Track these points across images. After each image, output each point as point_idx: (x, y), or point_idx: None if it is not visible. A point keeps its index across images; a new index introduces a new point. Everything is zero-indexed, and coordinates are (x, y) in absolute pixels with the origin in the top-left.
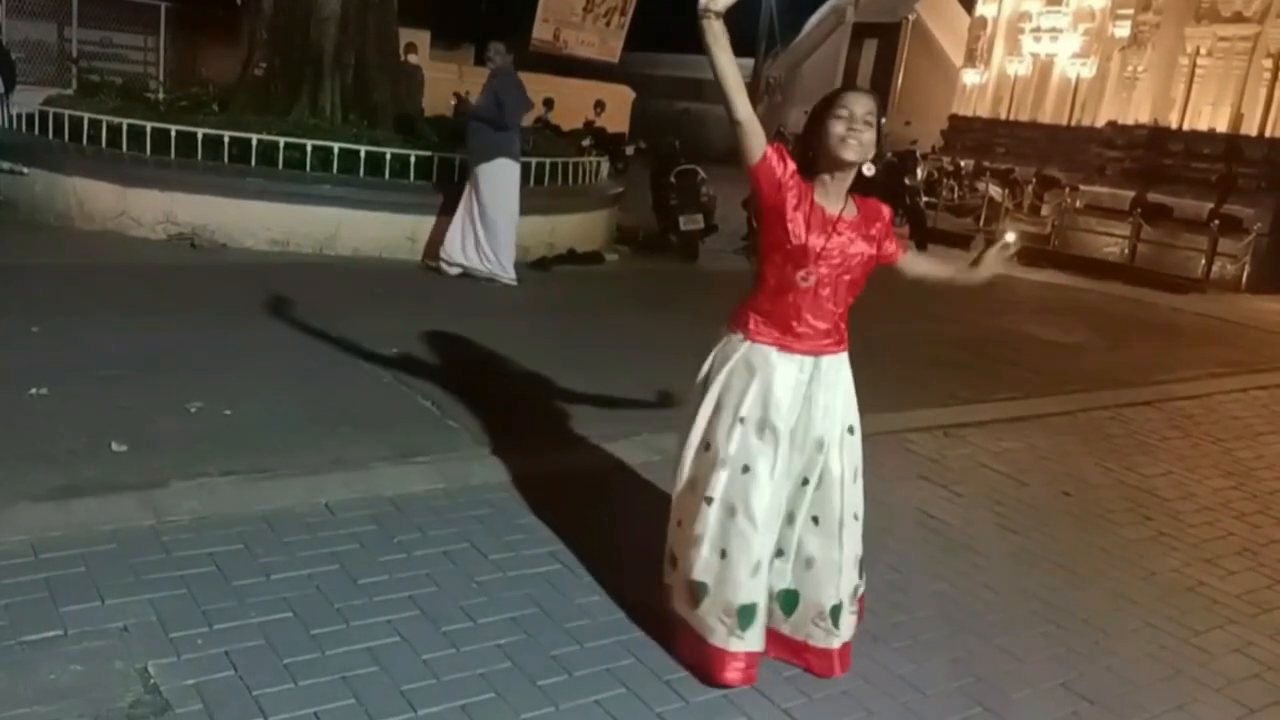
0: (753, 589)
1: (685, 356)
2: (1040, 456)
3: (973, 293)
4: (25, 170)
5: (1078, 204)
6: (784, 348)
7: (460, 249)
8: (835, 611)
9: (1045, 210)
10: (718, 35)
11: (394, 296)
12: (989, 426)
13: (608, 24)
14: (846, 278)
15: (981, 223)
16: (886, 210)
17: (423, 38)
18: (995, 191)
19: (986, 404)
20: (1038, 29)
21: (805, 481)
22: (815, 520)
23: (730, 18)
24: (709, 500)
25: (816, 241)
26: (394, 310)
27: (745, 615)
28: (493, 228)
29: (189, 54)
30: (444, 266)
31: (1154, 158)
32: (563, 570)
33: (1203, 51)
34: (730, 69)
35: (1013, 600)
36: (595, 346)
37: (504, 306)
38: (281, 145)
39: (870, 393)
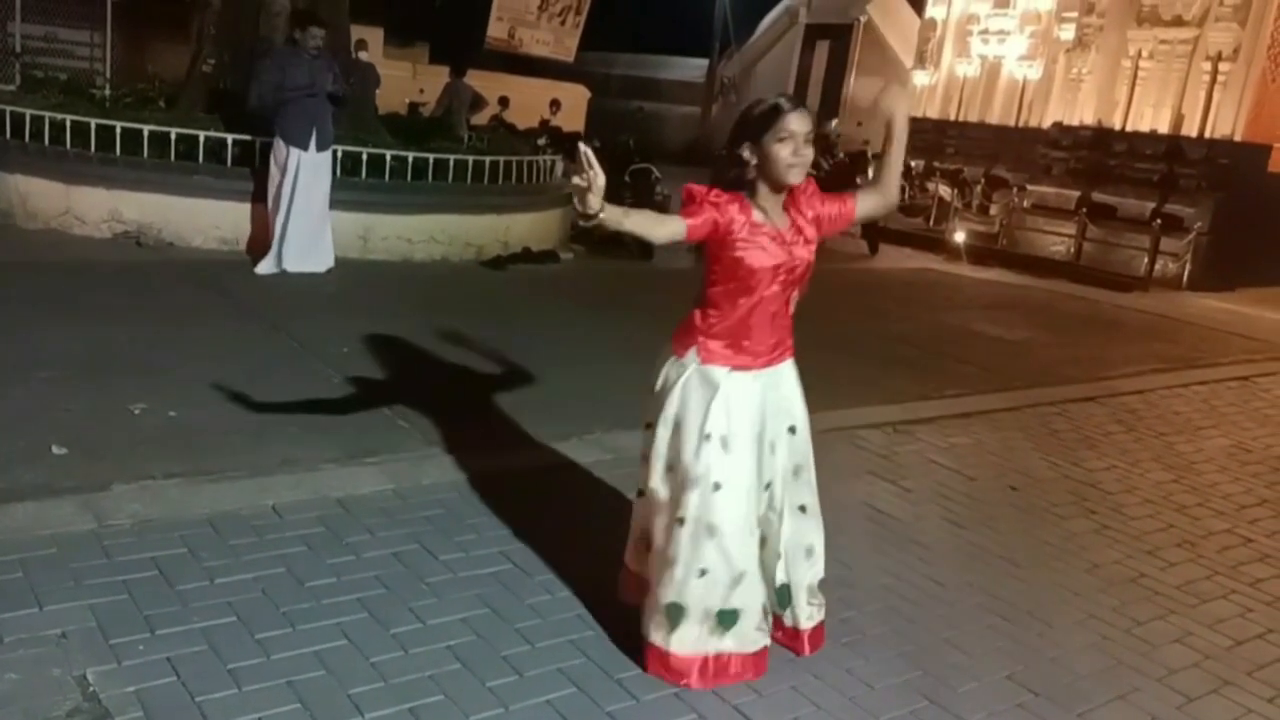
0: (737, 596)
1: (639, 354)
2: (987, 452)
3: (921, 291)
4: None
5: (1025, 203)
6: (737, 367)
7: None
8: (781, 592)
9: (993, 210)
10: (615, 219)
11: (344, 296)
12: (937, 423)
13: (563, 23)
14: (794, 290)
15: (931, 222)
16: (809, 184)
17: (376, 35)
18: (945, 191)
19: (935, 400)
20: (986, 31)
21: (768, 486)
22: (779, 513)
23: (684, 17)
24: (680, 521)
25: (769, 265)
26: (343, 310)
27: (725, 619)
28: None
29: (137, 50)
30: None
31: (1098, 158)
32: (514, 570)
33: (1144, 54)
34: (642, 225)
35: (959, 594)
36: (549, 345)
37: (456, 306)
38: (230, 142)
39: (820, 390)
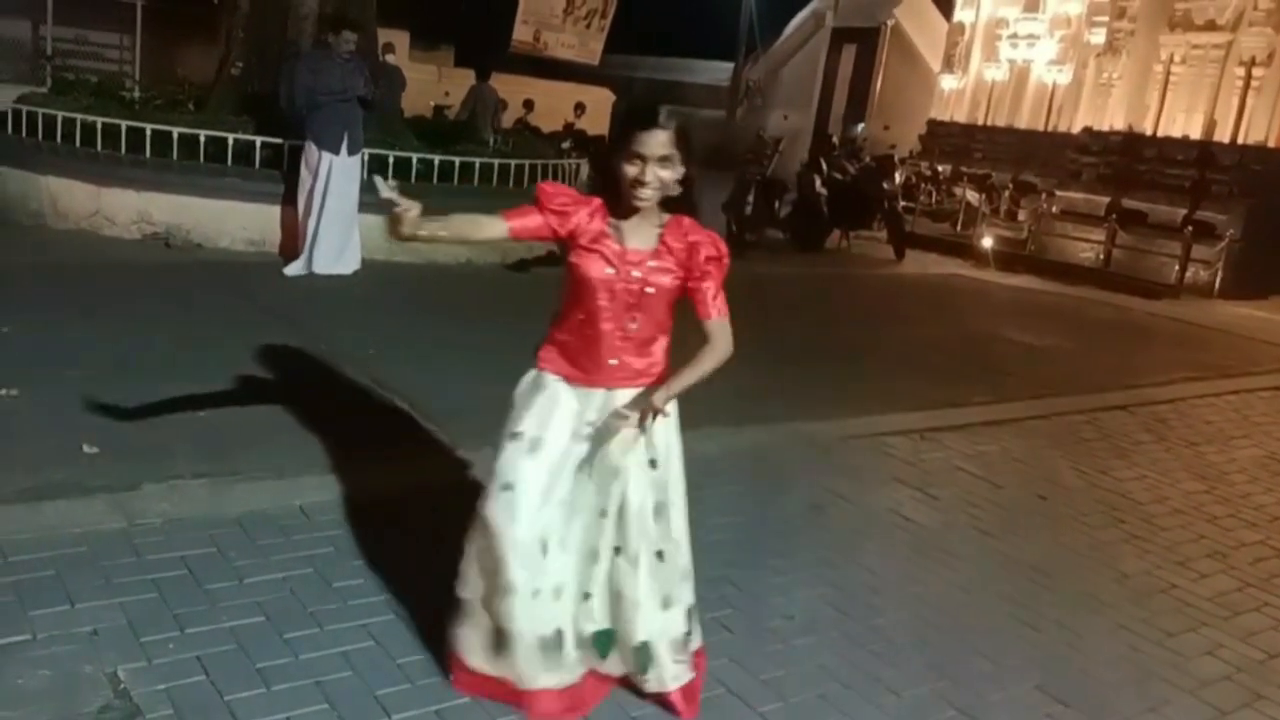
0: (514, 617)
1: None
2: (1015, 460)
3: (948, 297)
4: None
5: (1053, 209)
6: (571, 379)
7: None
8: (641, 651)
9: (1022, 215)
10: (431, 232)
11: (371, 298)
12: (964, 430)
13: (588, 26)
14: (640, 314)
15: (958, 228)
16: (705, 238)
17: (401, 38)
18: (972, 196)
19: (962, 408)
20: (1015, 35)
21: (604, 514)
22: (617, 550)
23: (709, 20)
24: (476, 516)
25: (601, 278)
26: (370, 312)
27: (500, 640)
28: None
29: (165, 52)
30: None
31: (1128, 164)
32: None
33: (1176, 59)
34: (460, 231)
35: (987, 603)
36: None
37: (480, 308)
38: (258, 145)
39: (847, 396)
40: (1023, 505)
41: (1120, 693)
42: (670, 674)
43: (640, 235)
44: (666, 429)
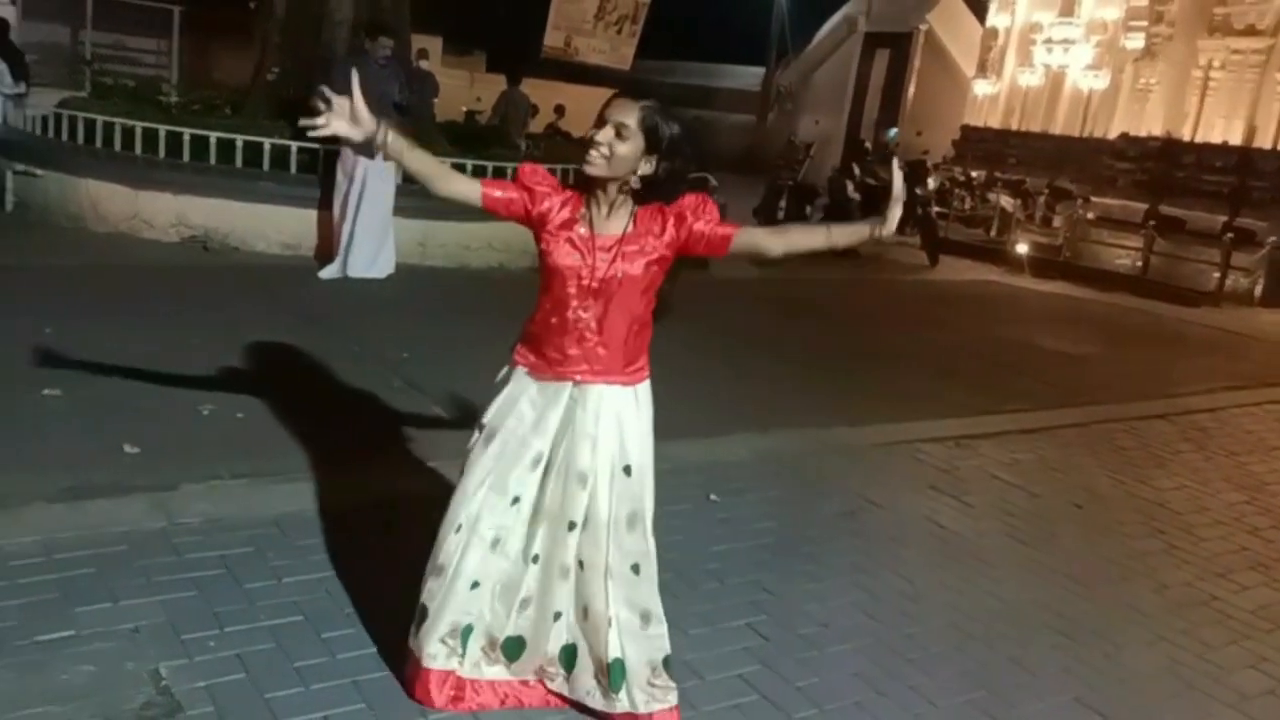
0: (433, 596)
1: (681, 362)
2: (1051, 468)
3: (983, 303)
4: (39, 172)
5: (1089, 215)
6: (535, 370)
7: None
8: (614, 669)
9: (1057, 222)
10: (397, 149)
11: (404, 301)
12: (1000, 437)
13: (619, 31)
14: (608, 304)
15: (993, 234)
16: (677, 204)
17: (435, 44)
18: (1007, 202)
19: (998, 415)
20: (1050, 40)
21: (572, 526)
22: (581, 565)
23: (741, 25)
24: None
25: (566, 266)
26: (403, 315)
27: (420, 615)
28: None
29: (202, 57)
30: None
31: (1166, 170)
32: None
33: (1215, 64)
34: (425, 168)
35: (1024, 612)
36: None
37: (511, 313)
38: (294, 149)
39: (879, 402)
40: (1059, 514)
41: (1160, 705)
42: (642, 698)
43: (612, 224)
44: (641, 435)
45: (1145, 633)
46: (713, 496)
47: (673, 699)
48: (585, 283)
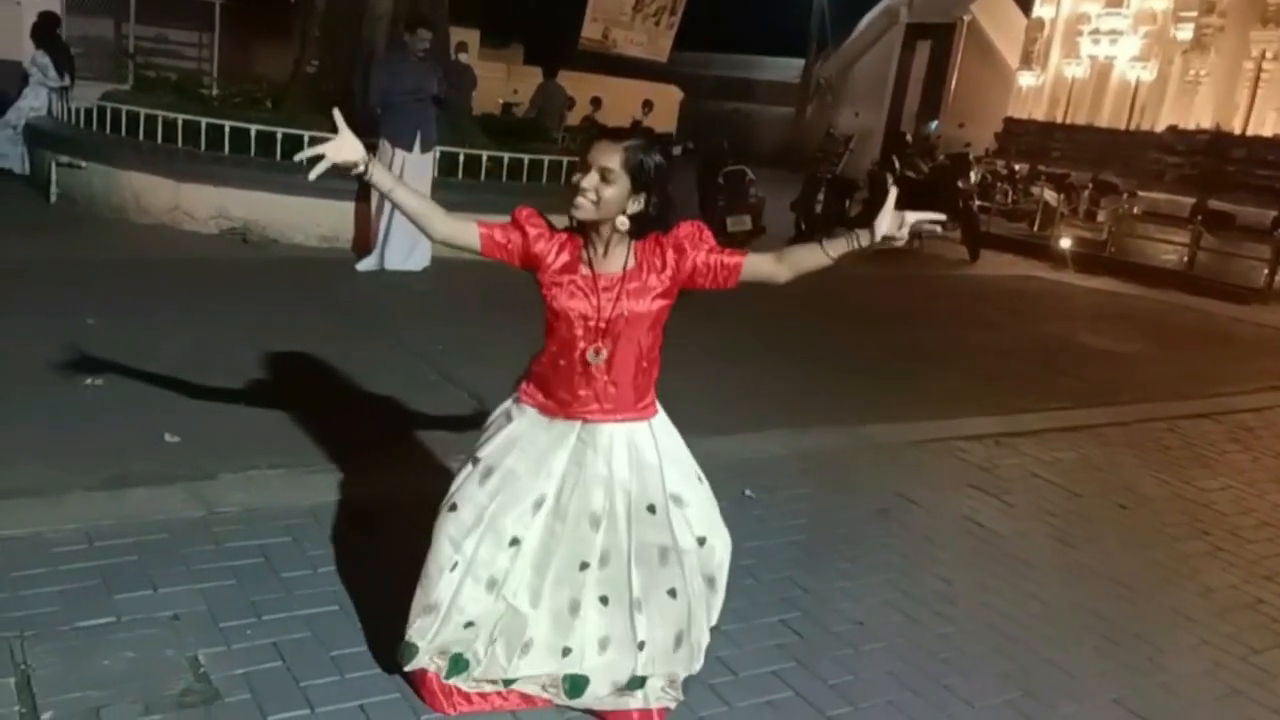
0: (425, 634)
1: (729, 357)
2: (1094, 468)
3: (1025, 299)
4: (83, 164)
5: (1135, 210)
6: (545, 411)
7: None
8: (633, 682)
9: (1101, 216)
10: (386, 183)
11: (439, 294)
12: (1041, 436)
13: (657, 23)
14: (616, 343)
15: (1035, 228)
16: (674, 235)
17: (472, 37)
18: (1050, 196)
19: (1039, 413)
20: (1096, 31)
21: (584, 565)
22: (604, 600)
23: (780, 17)
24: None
25: (574, 311)
26: (439, 308)
27: (406, 652)
28: None
29: (243, 51)
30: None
31: (1215, 164)
32: None
33: (1268, 55)
34: (410, 201)
35: (1063, 613)
36: None
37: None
38: None
39: (917, 399)
40: (1102, 514)
41: (1203, 710)
42: (655, 696)
43: (610, 262)
44: (664, 471)
45: (1189, 636)
46: (748, 492)
47: (673, 705)
48: (592, 324)
